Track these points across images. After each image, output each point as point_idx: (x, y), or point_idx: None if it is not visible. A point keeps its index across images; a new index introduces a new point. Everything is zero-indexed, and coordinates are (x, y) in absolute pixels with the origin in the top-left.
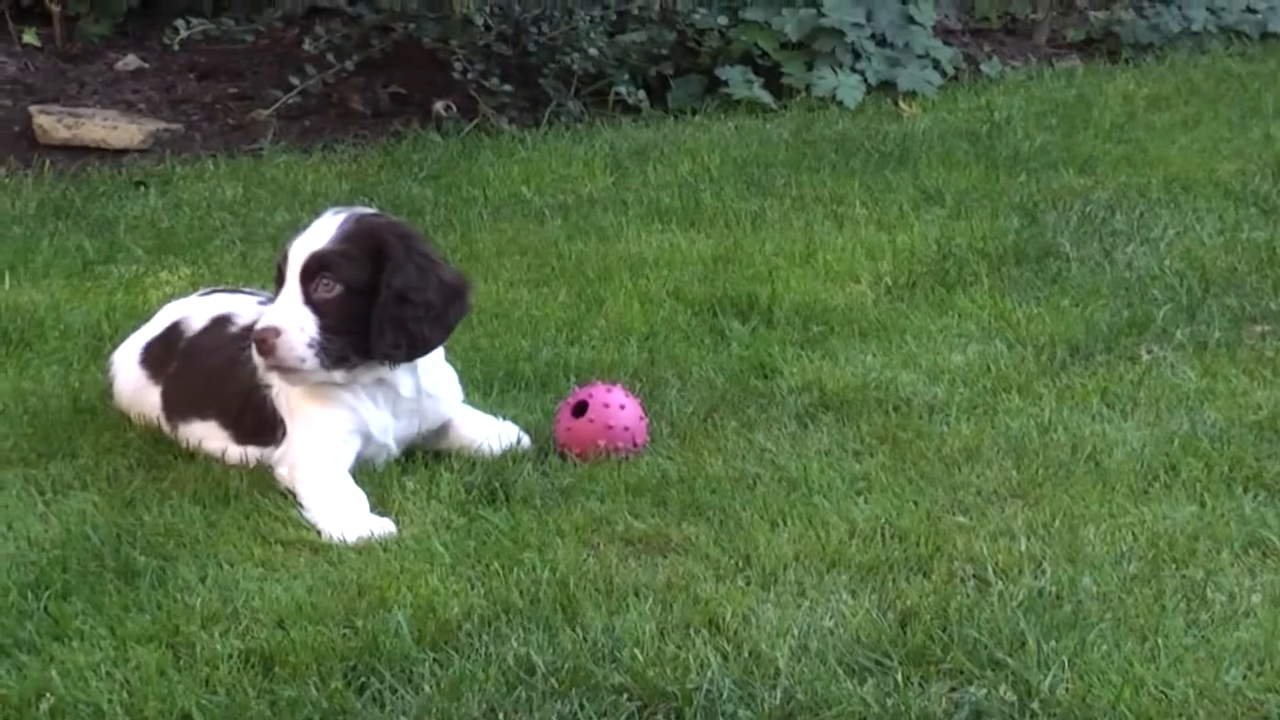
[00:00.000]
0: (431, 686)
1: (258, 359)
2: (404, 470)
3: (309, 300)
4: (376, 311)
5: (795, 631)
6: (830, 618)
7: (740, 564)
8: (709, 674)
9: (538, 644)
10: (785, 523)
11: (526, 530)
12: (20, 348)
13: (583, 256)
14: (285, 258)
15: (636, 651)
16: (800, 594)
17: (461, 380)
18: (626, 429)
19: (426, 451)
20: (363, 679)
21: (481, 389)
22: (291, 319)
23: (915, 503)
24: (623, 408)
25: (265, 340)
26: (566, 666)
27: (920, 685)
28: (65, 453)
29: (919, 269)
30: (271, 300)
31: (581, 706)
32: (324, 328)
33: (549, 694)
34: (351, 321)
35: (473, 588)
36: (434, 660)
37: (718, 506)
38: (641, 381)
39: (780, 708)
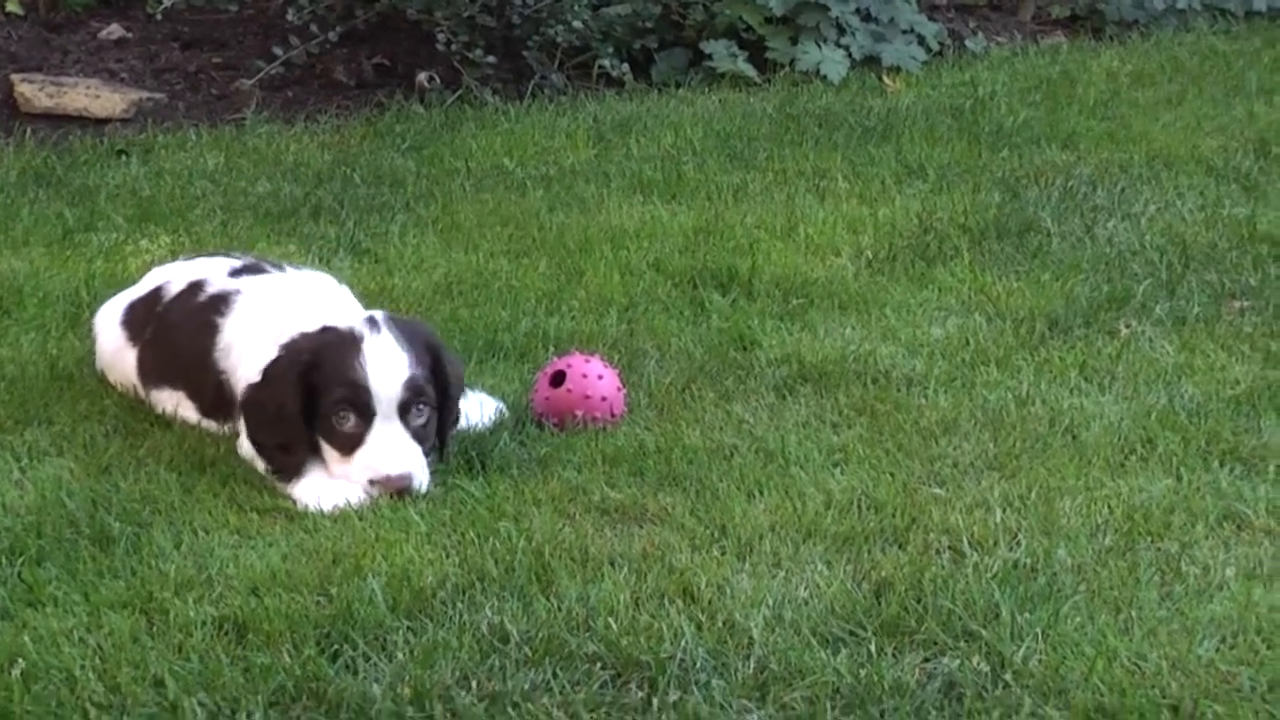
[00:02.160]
0: (405, 654)
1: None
2: None
3: (410, 430)
4: (444, 416)
5: (770, 601)
6: (805, 588)
7: (716, 534)
8: (683, 643)
9: (512, 612)
10: (762, 493)
11: (502, 499)
12: None
13: (564, 228)
14: (368, 391)
15: (611, 621)
16: (775, 564)
17: None
18: (604, 399)
19: None
20: (336, 646)
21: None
22: (413, 460)
23: (892, 474)
24: (600, 378)
25: (404, 494)
26: (541, 635)
27: (894, 656)
28: (41, 419)
29: (900, 243)
30: (249, 266)
31: (555, 675)
32: (424, 451)
33: (523, 662)
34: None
35: (448, 556)
36: (408, 628)
37: (694, 477)
38: (620, 352)
39: (754, 677)
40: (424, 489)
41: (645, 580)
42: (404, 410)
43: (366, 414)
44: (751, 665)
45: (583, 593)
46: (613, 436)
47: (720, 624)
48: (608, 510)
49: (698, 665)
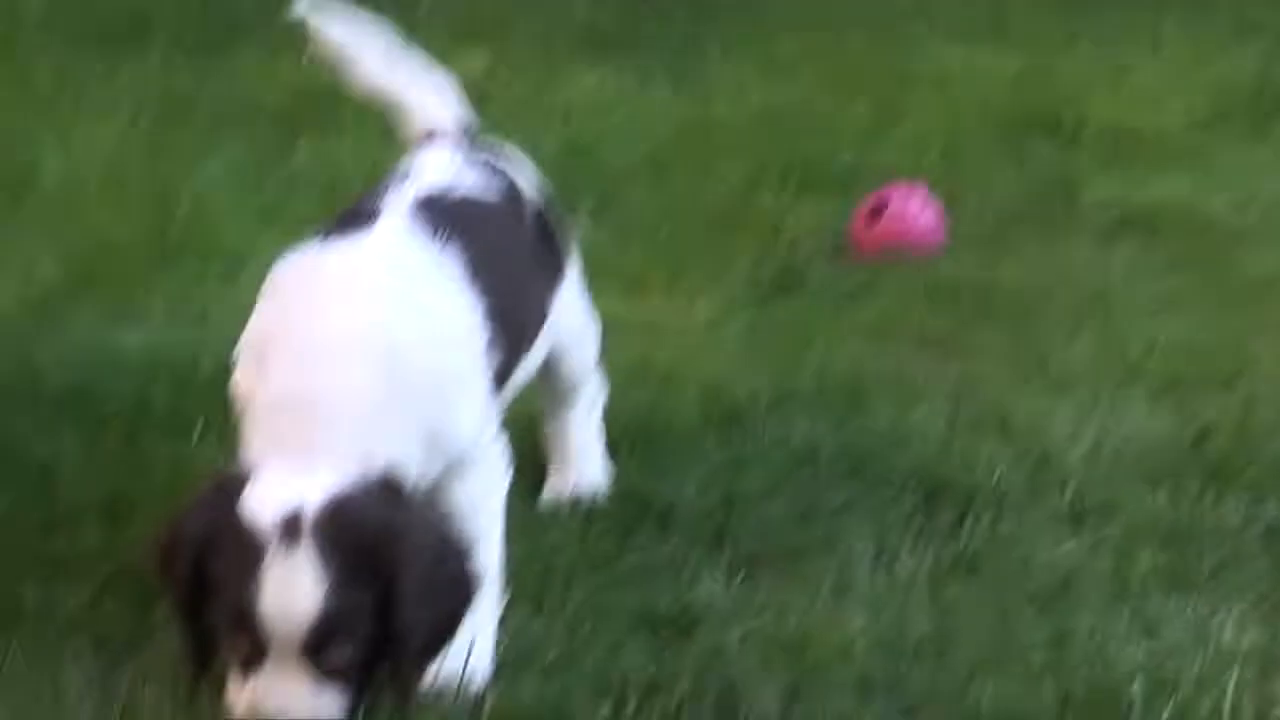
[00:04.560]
0: (716, 461)
1: None
2: (695, 255)
3: (322, 671)
4: (394, 644)
5: (1088, 437)
6: (1125, 427)
7: (1034, 369)
8: (997, 471)
9: (824, 430)
10: (1082, 334)
11: (818, 323)
12: None
13: (884, 67)
14: (261, 624)
15: (924, 445)
16: (1094, 403)
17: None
18: (924, 231)
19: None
20: (645, 452)
21: (775, 189)
22: (306, 712)
23: (1218, 323)
24: (921, 211)
25: None
26: (852, 454)
27: (1215, 498)
28: None
29: (1234, 100)
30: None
31: (866, 493)
32: (351, 694)
33: (834, 478)
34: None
35: (761, 374)
36: (719, 438)
37: (1013, 314)
38: (940, 190)
39: (1069, 509)
40: None
41: (960, 408)
42: (310, 652)
43: (258, 649)
44: (1067, 496)
45: (896, 416)
46: (931, 269)
47: (1036, 455)
48: (924, 341)
49: (1012, 493)
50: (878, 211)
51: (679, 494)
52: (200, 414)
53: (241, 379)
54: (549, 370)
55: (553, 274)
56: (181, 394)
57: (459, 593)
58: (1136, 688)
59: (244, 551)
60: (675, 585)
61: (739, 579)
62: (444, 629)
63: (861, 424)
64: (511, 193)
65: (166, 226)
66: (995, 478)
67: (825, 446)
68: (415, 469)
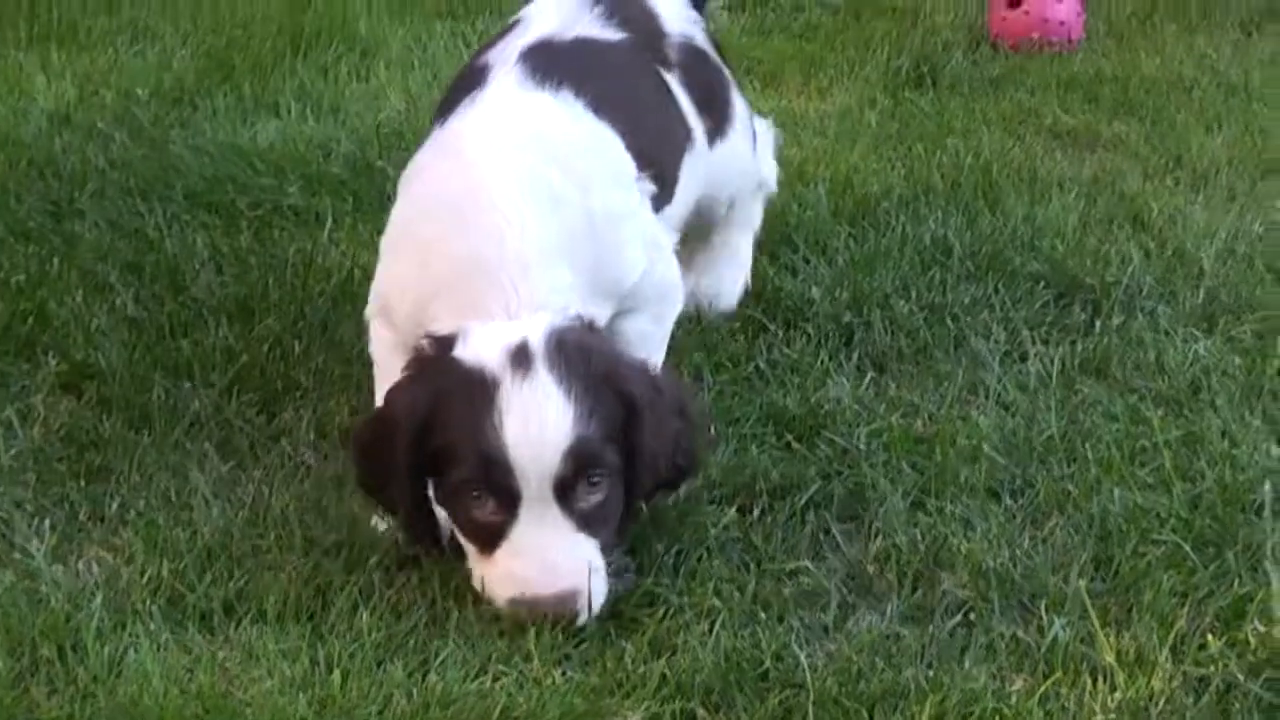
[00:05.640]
0: (845, 259)
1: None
2: (832, 47)
3: (576, 516)
4: (635, 480)
5: (1223, 234)
6: (1261, 224)
7: (1170, 164)
8: (1130, 269)
9: (956, 226)
10: (1221, 127)
11: (952, 116)
12: None
13: None
14: (507, 467)
15: (1057, 242)
16: (1231, 198)
17: None
18: (1063, 23)
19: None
20: (775, 249)
21: None
22: (575, 571)
23: None
24: (1060, 1)
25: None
26: (984, 250)
27: None
28: None
29: None
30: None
31: (996, 290)
32: (602, 541)
33: (964, 276)
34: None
35: (893, 168)
36: (849, 235)
37: (1151, 107)
38: None
39: (1202, 307)
40: (593, 614)
41: (1094, 204)
42: (564, 490)
43: (508, 498)
44: (1200, 295)
45: (1029, 212)
46: (1068, 62)
47: (1170, 252)
48: (1059, 134)
49: (1144, 291)
50: (1016, 3)
51: (808, 293)
52: (330, 209)
53: (386, 270)
54: (712, 196)
55: (709, 96)
56: (312, 189)
57: (687, 422)
58: (1267, 489)
59: (479, 396)
60: (803, 386)
61: (867, 379)
62: (680, 462)
63: (994, 220)
64: (640, 26)
65: (301, 17)
66: (1128, 275)
67: (957, 243)
68: (595, 313)
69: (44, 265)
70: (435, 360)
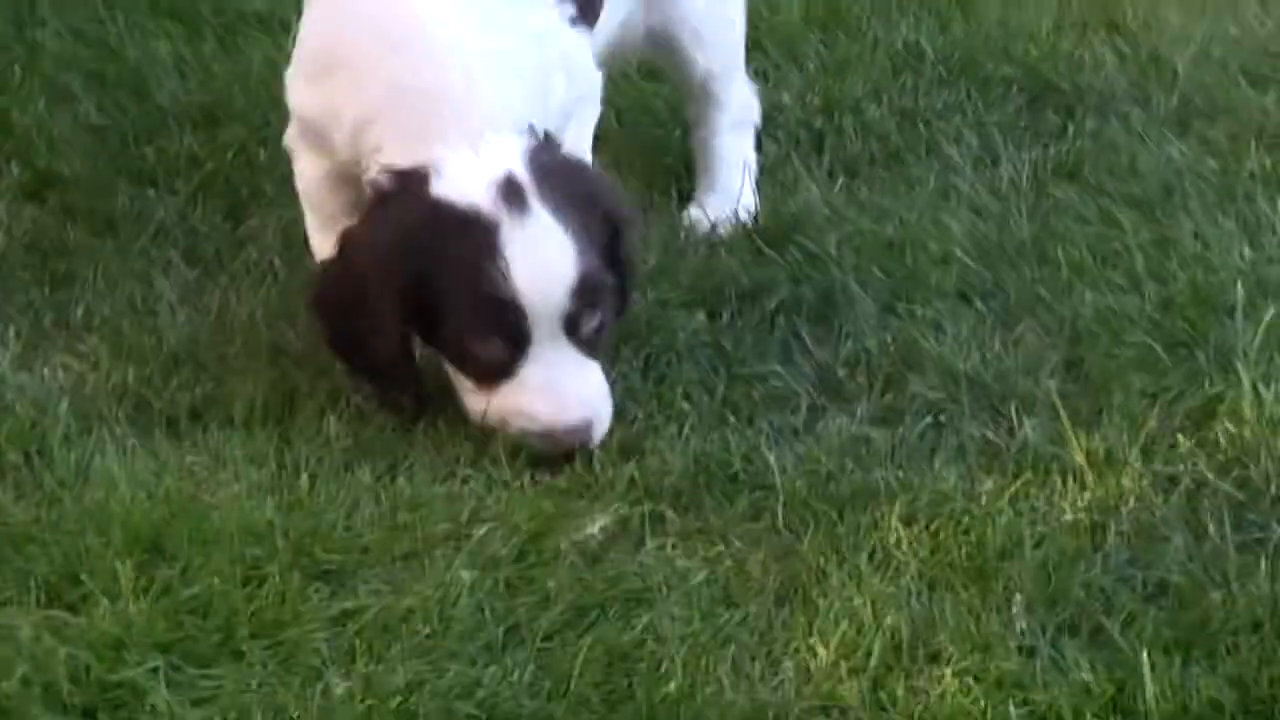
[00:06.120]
0: (817, 66)
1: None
2: None
3: (582, 345)
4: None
5: (1198, 38)
6: (1236, 26)
7: None
8: (1104, 73)
9: (928, 31)
10: None
11: None
12: None
13: None
14: (519, 309)
15: (1031, 46)
16: (1204, 2)
17: None
18: None
19: None
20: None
21: None
22: (590, 397)
23: None
24: None
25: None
26: (957, 55)
27: None
28: None
29: None
30: None
31: (969, 95)
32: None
33: (937, 81)
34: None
35: None
36: (820, 40)
37: None
38: None
39: (1176, 111)
40: (604, 433)
41: (1069, 8)
42: (572, 325)
43: (518, 340)
44: (1174, 99)
45: (1003, 16)
46: None
47: (1144, 56)
48: None
49: (1118, 95)
50: None
51: (779, 99)
52: (294, 15)
53: (310, 93)
54: (680, 61)
55: None
56: None
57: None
58: (1239, 290)
59: (478, 240)
60: (774, 192)
61: (839, 184)
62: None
63: (967, 25)
64: None
65: None
66: (1102, 79)
67: (929, 48)
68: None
69: (5, 73)
70: (408, 199)
